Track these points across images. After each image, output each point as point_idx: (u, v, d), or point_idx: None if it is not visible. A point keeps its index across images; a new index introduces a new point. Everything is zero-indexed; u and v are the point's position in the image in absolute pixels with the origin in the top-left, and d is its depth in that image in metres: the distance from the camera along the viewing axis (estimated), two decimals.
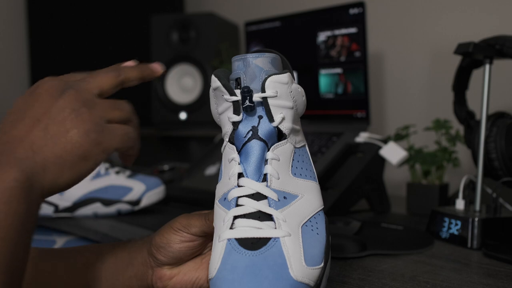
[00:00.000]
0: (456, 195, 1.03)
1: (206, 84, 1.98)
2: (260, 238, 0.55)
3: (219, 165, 1.40)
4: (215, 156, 1.48)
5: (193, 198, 1.33)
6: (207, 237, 0.67)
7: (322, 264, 0.57)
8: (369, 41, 1.37)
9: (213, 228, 0.63)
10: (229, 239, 0.56)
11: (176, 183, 1.47)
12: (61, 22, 2.36)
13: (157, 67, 0.66)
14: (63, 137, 0.53)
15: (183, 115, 2.04)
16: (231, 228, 0.57)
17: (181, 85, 2.07)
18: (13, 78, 2.46)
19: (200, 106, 2.00)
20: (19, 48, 2.47)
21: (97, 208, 1.21)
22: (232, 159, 0.61)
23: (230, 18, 2.19)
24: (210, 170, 1.42)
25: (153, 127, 2.13)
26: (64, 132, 0.53)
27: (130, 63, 0.65)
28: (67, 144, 0.53)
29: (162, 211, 1.28)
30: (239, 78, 0.61)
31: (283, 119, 0.60)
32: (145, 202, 1.24)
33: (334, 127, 1.36)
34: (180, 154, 2.10)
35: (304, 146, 0.65)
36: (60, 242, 1.20)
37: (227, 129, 0.62)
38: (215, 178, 1.38)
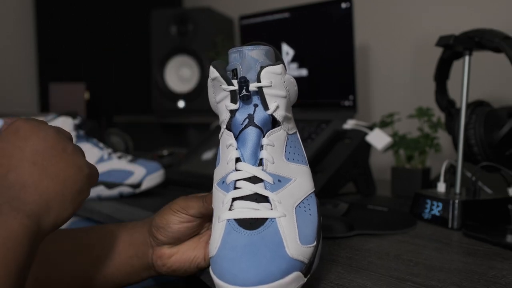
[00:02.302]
0: (437, 179, 1.02)
1: (203, 74, 1.98)
2: (257, 219, 0.56)
3: (216, 150, 1.40)
4: (212, 142, 1.48)
5: (190, 181, 1.33)
6: (204, 218, 0.67)
7: (315, 243, 0.58)
8: (355, 34, 1.36)
9: (210, 210, 0.63)
10: (228, 220, 0.57)
11: (174, 167, 1.46)
12: (67, 17, 2.34)
13: None
14: (61, 175, 0.53)
15: (181, 104, 2.03)
16: (230, 209, 0.58)
17: (180, 75, 2.07)
18: (21, 69, 2.45)
19: (198, 95, 1.99)
20: (27, 36, 2.45)
21: (100, 190, 1.21)
22: (230, 145, 0.61)
23: (226, 12, 2.18)
24: (207, 155, 1.42)
25: (153, 115, 2.13)
26: (62, 171, 0.54)
27: None
28: (67, 181, 0.54)
29: (162, 194, 1.28)
30: (236, 69, 0.61)
31: (277, 107, 0.61)
32: (145, 185, 1.24)
33: (323, 115, 1.35)
34: (179, 140, 2.10)
35: (295, 133, 0.65)
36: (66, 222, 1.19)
37: (225, 116, 0.62)
38: (212, 162, 1.37)
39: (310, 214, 0.60)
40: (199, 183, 1.28)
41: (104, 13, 2.36)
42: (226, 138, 0.62)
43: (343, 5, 1.33)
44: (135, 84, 2.39)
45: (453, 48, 1.01)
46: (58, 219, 0.53)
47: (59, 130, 0.57)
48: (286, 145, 0.62)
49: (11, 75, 2.40)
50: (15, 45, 2.43)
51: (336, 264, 0.70)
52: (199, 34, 2.00)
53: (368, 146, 1.24)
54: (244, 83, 0.59)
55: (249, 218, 0.56)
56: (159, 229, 0.67)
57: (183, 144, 2.01)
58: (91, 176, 0.58)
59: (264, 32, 1.54)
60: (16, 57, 2.43)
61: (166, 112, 2.07)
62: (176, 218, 0.66)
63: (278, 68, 0.60)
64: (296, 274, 0.53)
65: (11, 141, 0.54)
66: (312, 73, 1.43)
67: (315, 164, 1.19)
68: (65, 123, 1.23)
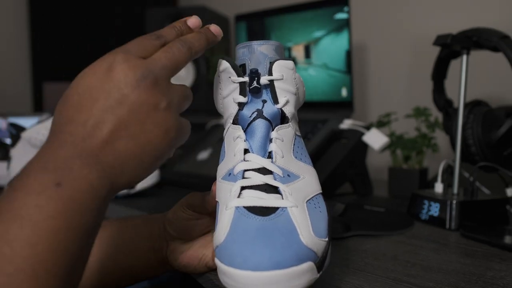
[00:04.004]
0: (435, 179, 1.02)
1: (198, 73, 1.97)
2: (268, 207, 0.53)
3: (211, 151, 1.40)
4: (207, 142, 1.48)
5: (185, 181, 1.33)
6: (212, 215, 0.65)
7: (327, 239, 0.55)
8: (352, 33, 1.36)
9: (211, 206, 0.61)
10: (237, 207, 0.54)
11: (169, 167, 1.46)
12: (61, 16, 2.34)
13: (217, 31, 0.59)
14: (143, 138, 0.48)
15: None
16: (238, 197, 0.55)
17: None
18: (14, 68, 2.44)
19: (193, 95, 1.99)
20: (21, 35, 2.45)
21: None
22: (238, 137, 0.59)
23: (221, 11, 2.18)
24: (202, 155, 1.42)
25: None
26: (145, 133, 0.48)
27: (193, 21, 0.58)
28: (147, 145, 0.48)
29: (156, 194, 1.27)
30: (244, 64, 0.61)
31: (287, 101, 0.60)
32: (140, 185, 1.23)
33: (319, 114, 1.35)
34: None
35: (300, 136, 0.64)
36: None
37: (232, 111, 0.61)
38: (207, 162, 1.37)
39: (320, 211, 0.57)
40: (194, 183, 1.28)
41: (99, 12, 2.35)
42: (233, 131, 0.60)
43: (340, 5, 1.33)
44: None
45: (451, 47, 1.01)
46: (128, 183, 0.48)
47: (158, 78, 0.49)
48: (294, 144, 0.60)
49: (5, 74, 2.40)
50: (8, 44, 2.42)
51: (332, 266, 0.69)
52: None
53: (365, 146, 1.24)
54: (255, 74, 0.58)
55: (259, 206, 0.53)
56: (171, 224, 0.66)
57: None
58: (178, 138, 0.52)
59: (260, 32, 1.54)
60: (10, 56, 2.42)
61: None
62: (184, 214, 0.65)
63: (290, 63, 0.60)
64: (310, 264, 0.50)
65: (100, 79, 0.47)
66: (309, 72, 1.43)
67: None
68: None
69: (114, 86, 0.47)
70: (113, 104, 0.46)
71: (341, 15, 1.33)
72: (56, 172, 0.42)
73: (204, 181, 1.25)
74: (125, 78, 0.47)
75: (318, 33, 1.39)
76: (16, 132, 1.20)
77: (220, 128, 1.51)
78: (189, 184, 1.30)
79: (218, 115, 0.64)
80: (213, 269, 0.66)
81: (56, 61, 2.34)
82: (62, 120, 0.47)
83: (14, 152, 1.20)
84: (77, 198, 0.42)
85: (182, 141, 0.54)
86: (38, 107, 2.33)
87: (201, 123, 1.80)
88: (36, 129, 1.19)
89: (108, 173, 0.45)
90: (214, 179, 0.61)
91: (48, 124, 1.19)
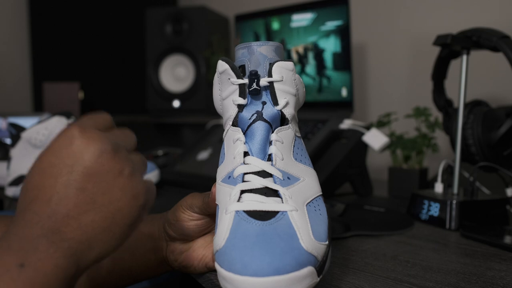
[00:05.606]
0: (435, 179, 1.02)
1: (198, 73, 1.98)
2: (268, 211, 0.53)
3: (211, 151, 1.40)
4: (207, 142, 1.48)
5: (186, 181, 1.33)
6: (210, 217, 0.66)
7: (327, 242, 0.55)
8: (352, 33, 1.36)
9: (211, 208, 0.61)
10: (237, 211, 0.54)
11: (169, 167, 1.46)
12: (61, 16, 2.34)
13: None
14: (112, 207, 0.46)
15: (176, 103, 2.03)
16: (238, 201, 0.55)
17: (175, 74, 2.06)
18: (15, 68, 2.44)
19: (193, 95, 1.99)
20: (22, 35, 2.45)
21: None
22: (237, 139, 0.59)
23: (221, 11, 2.18)
24: (202, 155, 1.41)
25: (148, 115, 2.13)
26: (112, 202, 0.46)
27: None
28: (116, 214, 0.47)
29: (157, 194, 1.27)
30: (243, 65, 0.60)
31: (287, 103, 0.60)
32: None
33: (319, 115, 1.35)
34: (174, 140, 2.10)
35: (300, 137, 0.64)
36: None
37: (231, 113, 0.61)
38: (207, 162, 1.37)
39: (320, 214, 0.57)
40: (194, 183, 1.28)
41: (99, 12, 2.35)
42: (233, 133, 0.60)
43: (340, 5, 1.33)
44: (129, 84, 2.39)
45: (451, 47, 1.01)
46: (100, 257, 0.46)
47: (118, 147, 0.49)
48: (294, 146, 0.60)
49: (5, 74, 2.40)
50: (9, 44, 2.42)
51: (332, 266, 0.69)
52: (194, 33, 1.99)
53: (364, 146, 1.24)
54: (255, 75, 0.58)
55: (259, 211, 0.53)
56: (170, 225, 0.66)
57: (178, 144, 2.01)
58: (147, 203, 0.50)
59: (259, 32, 1.54)
60: (10, 56, 2.42)
61: (161, 112, 2.07)
62: (184, 215, 0.65)
63: (290, 64, 0.60)
64: (310, 269, 0.50)
65: (61, 156, 0.46)
66: (308, 72, 1.43)
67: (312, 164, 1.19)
68: (59, 123, 1.22)
69: (76, 160, 0.46)
70: (76, 178, 0.45)
71: (341, 15, 1.33)
72: (20, 252, 0.41)
73: (204, 181, 1.25)
74: (86, 150, 0.46)
75: (317, 34, 1.39)
76: (16, 132, 1.20)
77: (220, 128, 1.51)
78: (189, 184, 1.30)
79: (218, 115, 0.64)
80: (213, 270, 0.67)
81: (56, 61, 2.34)
82: (27, 200, 0.46)
83: (14, 152, 1.19)
84: (40, 279, 0.40)
85: (151, 203, 0.52)
86: (38, 107, 2.33)
87: (201, 123, 1.80)
88: (36, 129, 1.18)
89: (75, 250, 0.44)
90: (214, 179, 0.61)
91: (48, 124, 1.19)
